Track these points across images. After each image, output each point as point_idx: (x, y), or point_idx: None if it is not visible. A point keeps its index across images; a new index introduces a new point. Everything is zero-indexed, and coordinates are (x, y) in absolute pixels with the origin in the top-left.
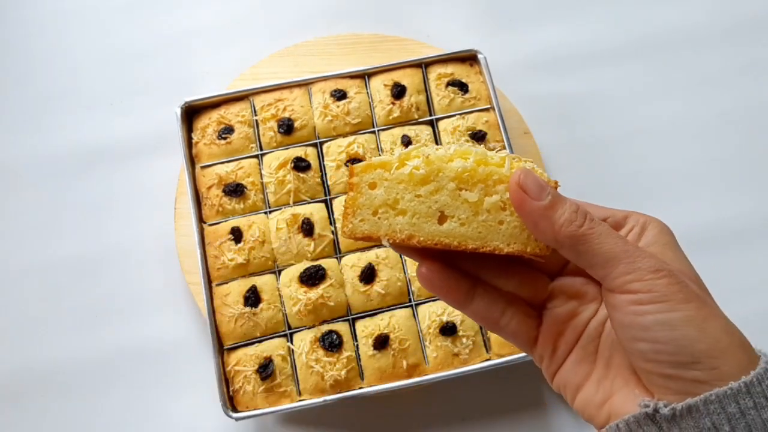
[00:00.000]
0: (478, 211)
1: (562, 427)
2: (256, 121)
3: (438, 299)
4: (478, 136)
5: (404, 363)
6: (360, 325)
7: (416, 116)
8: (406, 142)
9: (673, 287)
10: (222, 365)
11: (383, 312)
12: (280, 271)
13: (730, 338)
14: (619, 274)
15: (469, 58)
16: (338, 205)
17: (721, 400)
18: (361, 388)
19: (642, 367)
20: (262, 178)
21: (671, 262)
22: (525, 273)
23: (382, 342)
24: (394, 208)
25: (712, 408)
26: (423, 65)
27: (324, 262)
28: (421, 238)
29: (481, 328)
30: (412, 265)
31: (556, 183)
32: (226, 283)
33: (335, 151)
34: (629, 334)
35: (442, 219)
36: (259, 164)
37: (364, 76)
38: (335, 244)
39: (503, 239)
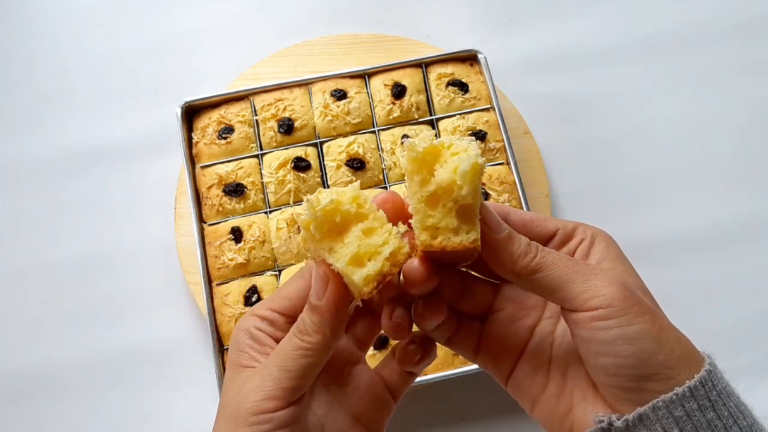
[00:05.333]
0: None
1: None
2: (256, 120)
3: None
4: (479, 136)
5: None
6: None
7: (416, 116)
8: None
9: (628, 300)
10: (222, 365)
11: None
12: (280, 271)
13: (681, 347)
14: (577, 293)
15: (469, 58)
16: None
17: (668, 405)
18: None
19: (604, 382)
20: (262, 178)
21: (622, 275)
22: (467, 283)
23: (382, 342)
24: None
25: (660, 414)
26: (423, 65)
27: None
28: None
29: None
30: None
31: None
32: (226, 282)
33: (335, 151)
34: (592, 349)
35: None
36: (260, 164)
37: (364, 76)
38: None
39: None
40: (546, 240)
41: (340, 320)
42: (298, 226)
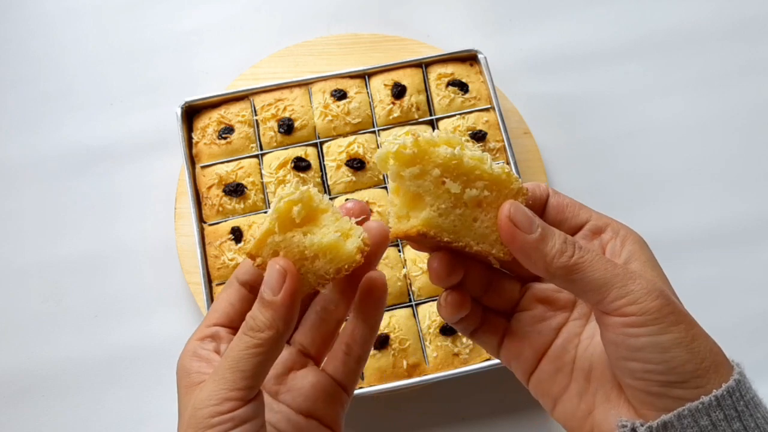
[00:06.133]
0: (457, 205)
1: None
2: (256, 121)
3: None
4: (478, 136)
5: (404, 363)
6: None
7: (416, 116)
8: None
9: (664, 309)
10: None
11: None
12: None
13: (713, 357)
14: (613, 299)
15: (469, 58)
16: (338, 204)
17: (693, 414)
18: (361, 388)
19: (630, 384)
20: (262, 178)
21: (653, 279)
22: (495, 278)
23: (382, 342)
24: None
25: (686, 422)
26: (423, 65)
27: None
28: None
29: None
30: (412, 264)
31: (526, 190)
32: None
33: (335, 151)
34: (620, 353)
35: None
36: (260, 164)
37: (364, 76)
38: None
39: (474, 237)
40: (575, 229)
41: (295, 314)
42: None
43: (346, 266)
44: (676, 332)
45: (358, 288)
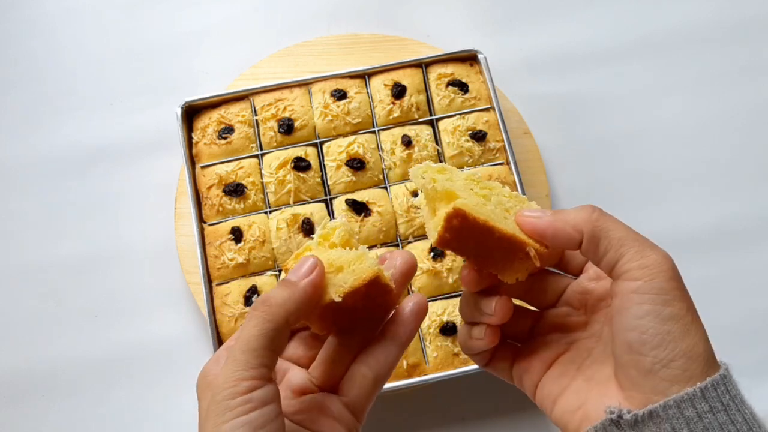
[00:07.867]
0: (486, 203)
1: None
2: (256, 120)
3: (438, 299)
4: (478, 136)
5: (404, 363)
6: None
7: (416, 116)
8: (407, 142)
9: (672, 282)
10: None
11: None
12: (280, 271)
13: (704, 347)
14: (629, 260)
15: (469, 58)
16: (338, 204)
17: (678, 404)
18: None
19: (625, 362)
20: (262, 178)
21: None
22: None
23: None
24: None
25: (671, 412)
26: (423, 65)
27: None
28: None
29: None
30: None
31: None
32: (227, 282)
33: (335, 151)
34: (623, 322)
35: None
36: (260, 164)
37: (364, 76)
38: None
39: (508, 227)
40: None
41: (308, 306)
42: (299, 226)
43: (364, 276)
44: (678, 309)
45: (401, 305)
